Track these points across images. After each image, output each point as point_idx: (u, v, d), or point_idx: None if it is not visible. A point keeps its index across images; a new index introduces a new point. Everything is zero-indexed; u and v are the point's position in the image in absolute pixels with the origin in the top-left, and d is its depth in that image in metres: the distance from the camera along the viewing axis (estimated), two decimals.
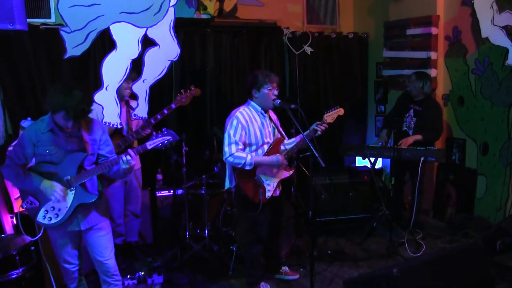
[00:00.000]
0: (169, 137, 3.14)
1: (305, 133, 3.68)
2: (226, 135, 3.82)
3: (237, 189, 3.96)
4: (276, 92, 3.89)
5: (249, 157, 3.76)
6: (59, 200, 3.14)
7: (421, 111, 5.15)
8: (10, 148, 4.30)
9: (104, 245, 3.34)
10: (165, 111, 4.37)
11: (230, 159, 3.78)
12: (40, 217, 3.18)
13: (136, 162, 3.16)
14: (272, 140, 3.99)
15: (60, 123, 3.09)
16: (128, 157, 3.06)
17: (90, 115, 3.16)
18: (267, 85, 3.84)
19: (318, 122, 3.93)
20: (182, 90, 4.50)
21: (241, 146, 3.79)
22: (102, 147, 3.27)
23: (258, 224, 3.99)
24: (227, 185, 4.06)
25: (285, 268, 4.49)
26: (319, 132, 3.91)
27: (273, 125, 4.04)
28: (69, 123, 3.05)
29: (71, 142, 3.17)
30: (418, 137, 5.01)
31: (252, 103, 3.94)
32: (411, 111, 5.23)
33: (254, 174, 3.87)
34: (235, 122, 3.80)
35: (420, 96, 5.15)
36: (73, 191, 3.16)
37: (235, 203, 4.07)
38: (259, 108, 3.92)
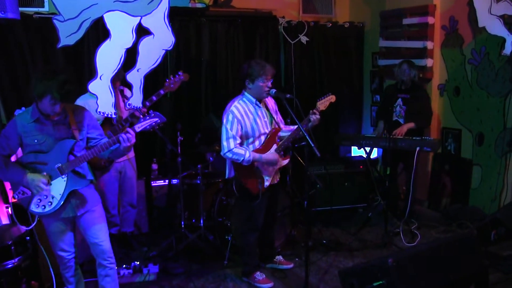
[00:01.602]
0: (156, 119, 3.14)
1: (300, 123, 3.68)
2: (223, 130, 3.83)
3: (236, 180, 3.99)
4: (269, 84, 3.87)
5: (247, 154, 3.77)
6: (44, 193, 3.12)
7: (410, 99, 5.20)
8: None
9: (98, 227, 3.34)
10: (154, 98, 4.32)
11: (229, 154, 3.80)
12: (33, 207, 3.16)
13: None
14: (268, 130, 3.99)
15: (47, 110, 3.05)
16: (129, 135, 3.06)
17: (86, 105, 3.15)
18: (261, 77, 3.81)
19: (311, 111, 3.91)
20: (171, 76, 4.45)
21: (238, 141, 3.81)
22: (90, 131, 3.27)
23: (255, 213, 4.01)
24: (227, 174, 4.08)
25: (279, 258, 4.51)
26: (312, 120, 3.87)
27: (269, 114, 4.03)
28: (57, 107, 3.02)
29: (58, 129, 3.15)
30: (411, 125, 5.07)
31: (246, 94, 3.93)
32: (399, 100, 5.27)
33: (252, 165, 3.89)
34: (230, 117, 3.81)
35: (408, 84, 5.19)
36: (65, 178, 3.15)
37: (235, 192, 4.09)
38: (254, 100, 3.91)
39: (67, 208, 3.21)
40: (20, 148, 3.21)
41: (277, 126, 4.05)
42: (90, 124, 3.27)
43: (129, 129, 3.08)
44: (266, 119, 3.99)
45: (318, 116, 3.88)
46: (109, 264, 3.41)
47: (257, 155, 3.84)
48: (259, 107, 3.95)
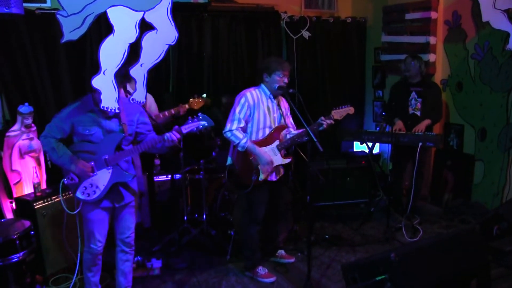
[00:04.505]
0: (204, 122, 3.30)
1: (310, 126, 3.73)
2: (232, 110, 3.91)
3: (231, 165, 4.03)
4: (286, 80, 3.96)
5: (244, 140, 3.83)
6: (90, 182, 3.29)
7: (423, 91, 5.18)
8: (9, 134, 4.30)
9: (132, 220, 3.58)
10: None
11: (228, 134, 3.88)
12: (79, 193, 3.31)
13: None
14: (275, 126, 4.04)
15: None
16: (173, 136, 3.27)
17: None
18: (278, 72, 3.91)
19: (323, 117, 3.98)
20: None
21: (242, 124, 3.88)
22: (140, 126, 3.48)
23: (254, 204, 4.04)
24: (228, 161, 4.11)
25: (281, 252, 4.53)
26: (324, 126, 3.96)
27: (281, 112, 4.07)
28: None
29: (110, 122, 3.34)
30: (428, 121, 5.08)
31: (263, 86, 4.01)
32: (413, 93, 5.24)
33: (250, 154, 3.92)
34: (243, 100, 3.89)
35: (418, 77, 5.19)
36: (110, 170, 3.31)
37: (228, 179, 4.15)
38: (268, 92, 3.99)
39: (109, 199, 3.37)
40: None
41: (284, 124, 4.09)
42: (140, 119, 3.47)
43: (175, 130, 3.29)
44: (275, 115, 4.04)
45: (331, 121, 3.97)
46: (131, 251, 3.64)
47: (252, 146, 3.87)
48: (272, 101, 4.02)
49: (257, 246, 4.22)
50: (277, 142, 4.00)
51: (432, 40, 5.62)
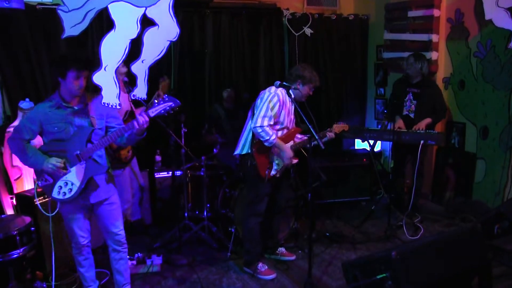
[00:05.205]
0: (170, 103, 3.18)
1: (318, 134, 3.81)
2: (264, 107, 3.91)
3: (250, 158, 4.05)
4: (311, 93, 4.15)
5: (273, 136, 3.91)
6: (64, 180, 3.24)
7: (420, 93, 5.16)
8: (9, 129, 4.30)
9: (116, 217, 3.50)
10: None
11: (259, 129, 3.89)
12: (55, 193, 3.28)
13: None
14: (291, 127, 4.14)
15: (73, 89, 3.19)
16: (142, 119, 3.14)
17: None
18: (311, 85, 4.09)
19: (329, 129, 4.21)
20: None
21: (272, 122, 3.93)
22: (109, 120, 3.40)
23: (258, 196, 4.08)
24: (238, 150, 4.14)
25: (281, 249, 4.53)
26: (327, 138, 4.15)
27: (296, 115, 4.16)
28: (81, 81, 3.17)
29: (78, 117, 3.28)
30: (429, 120, 5.06)
31: (290, 90, 4.05)
32: (410, 94, 5.23)
33: (269, 150, 4.02)
34: (275, 99, 3.93)
35: (418, 78, 5.16)
36: (84, 165, 3.26)
37: (243, 170, 4.22)
38: (292, 96, 4.02)
39: (85, 196, 3.33)
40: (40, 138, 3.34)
41: (296, 127, 4.20)
42: (109, 113, 3.39)
43: (143, 113, 3.17)
44: (292, 117, 4.14)
45: (333, 135, 4.19)
46: (123, 249, 3.58)
47: (280, 142, 3.98)
48: (292, 104, 4.08)
49: (259, 239, 4.22)
50: (291, 143, 4.09)
51: (434, 38, 5.59)
